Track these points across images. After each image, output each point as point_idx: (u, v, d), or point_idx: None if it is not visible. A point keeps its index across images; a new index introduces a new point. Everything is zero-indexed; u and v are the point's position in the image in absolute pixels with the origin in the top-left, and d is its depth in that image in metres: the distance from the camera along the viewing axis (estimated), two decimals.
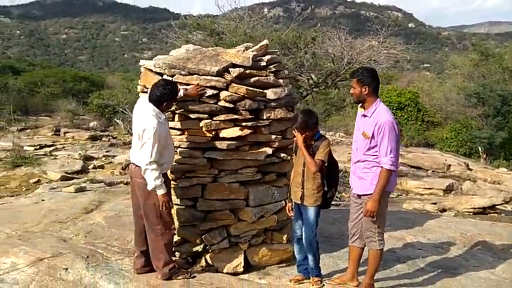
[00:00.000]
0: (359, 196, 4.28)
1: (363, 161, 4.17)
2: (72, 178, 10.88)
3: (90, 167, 12.46)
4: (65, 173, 11.24)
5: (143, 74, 4.98)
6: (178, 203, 4.75)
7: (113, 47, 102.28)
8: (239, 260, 4.86)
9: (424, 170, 14.93)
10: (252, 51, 4.91)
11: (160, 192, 4.18)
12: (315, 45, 9.86)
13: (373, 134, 4.02)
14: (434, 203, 9.38)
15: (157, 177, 4.13)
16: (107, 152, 15.88)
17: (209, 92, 4.60)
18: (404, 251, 5.78)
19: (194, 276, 4.44)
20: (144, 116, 4.19)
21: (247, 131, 4.73)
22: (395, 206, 9.89)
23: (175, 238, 4.76)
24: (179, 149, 4.67)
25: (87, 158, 13.78)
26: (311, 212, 4.43)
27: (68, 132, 20.78)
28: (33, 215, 6.61)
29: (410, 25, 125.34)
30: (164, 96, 4.27)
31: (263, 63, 4.90)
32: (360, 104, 4.26)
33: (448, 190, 11.52)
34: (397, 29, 11.49)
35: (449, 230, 6.71)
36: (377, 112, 4.07)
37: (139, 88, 5.07)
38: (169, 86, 4.32)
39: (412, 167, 15.33)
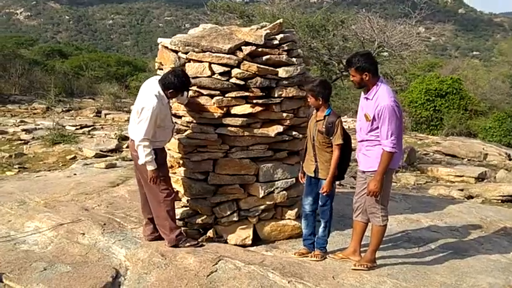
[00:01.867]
0: (363, 172, 4.35)
1: (366, 140, 4.24)
2: (106, 156, 11.31)
3: (124, 146, 12.86)
4: (100, 151, 11.68)
5: (160, 51, 5.17)
6: (191, 176, 4.94)
7: (157, 32, 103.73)
8: (248, 233, 5.02)
9: (459, 159, 14.56)
10: (266, 30, 4.99)
11: (150, 168, 4.37)
12: (344, 28, 9.78)
13: (374, 116, 4.07)
14: (461, 190, 9.20)
15: (148, 154, 4.31)
16: None
17: (220, 69, 4.73)
18: (417, 232, 5.77)
19: (202, 245, 4.63)
20: (148, 94, 4.36)
21: (258, 108, 4.85)
22: (422, 191, 9.79)
23: (182, 210, 4.97)
24: (191, 124, 4.85)
25: (123, 138, 14.20)
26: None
27: (109, 114, 21.44)
28: (63, 186, 6.97)
29: (460, 11, 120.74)
30: (173, 85, 4.41)
31: (276, 42, 4.98)
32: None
33: (480, 178, 11.19)
34: (430, 11, 11.20)
35: (469, 215, 6.62)
36: (377, 95, 4.12)
37: (156, 65, 5.27)
38: (183, 79, 4.46)
39: (447, 155, 15.00)
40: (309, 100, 4.55)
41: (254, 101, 4.82)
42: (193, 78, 4.76)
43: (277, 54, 4.96)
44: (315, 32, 9.55)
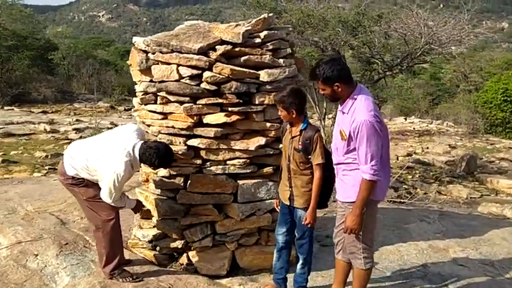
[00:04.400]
0: (342, 202, 3.51)
1: (343, 163, 3.39)
2: None
3: None
4: None
5: (131, 51, 4.62)
6: (159, 194, 4.35)
7: None
8: (223, 261, 4.36)
9: None
10: (247, 26, 4.29)
11: (131, 206, 4.16)
12: (384, 24, 8.79)
13: (349, 134, 3.24)
14: None
15: (125, 203, 4.01)
16: None
17: (189, 72, 4.10)
18: (439, 266, 4.81)
19: (140, 280, 3.94)
20: (121, 156, 3.74)
21: (234, 117, 4.16)
22: (473, 207, 8.58)
23: (152, 231, 4.40)
24: (159, 135, 4.27)
25: None
26: (302, 214, 3.74)
27: None
28: (65, 193, 6.67)
29: None
30: (150, 163, 3.86)
31: (258, 40, 4.25)
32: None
33: None
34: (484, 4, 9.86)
35: None
36: (354, 107, 3.26)
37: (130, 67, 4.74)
38: (163, 160, 3.87)
39: None
40: (280, 113, 3.78)
41: (230, 109, 4.15)
42: (159, 82, 4.18)
43: (259, 54, 4.23)
44: (350, 28, 8.65)
